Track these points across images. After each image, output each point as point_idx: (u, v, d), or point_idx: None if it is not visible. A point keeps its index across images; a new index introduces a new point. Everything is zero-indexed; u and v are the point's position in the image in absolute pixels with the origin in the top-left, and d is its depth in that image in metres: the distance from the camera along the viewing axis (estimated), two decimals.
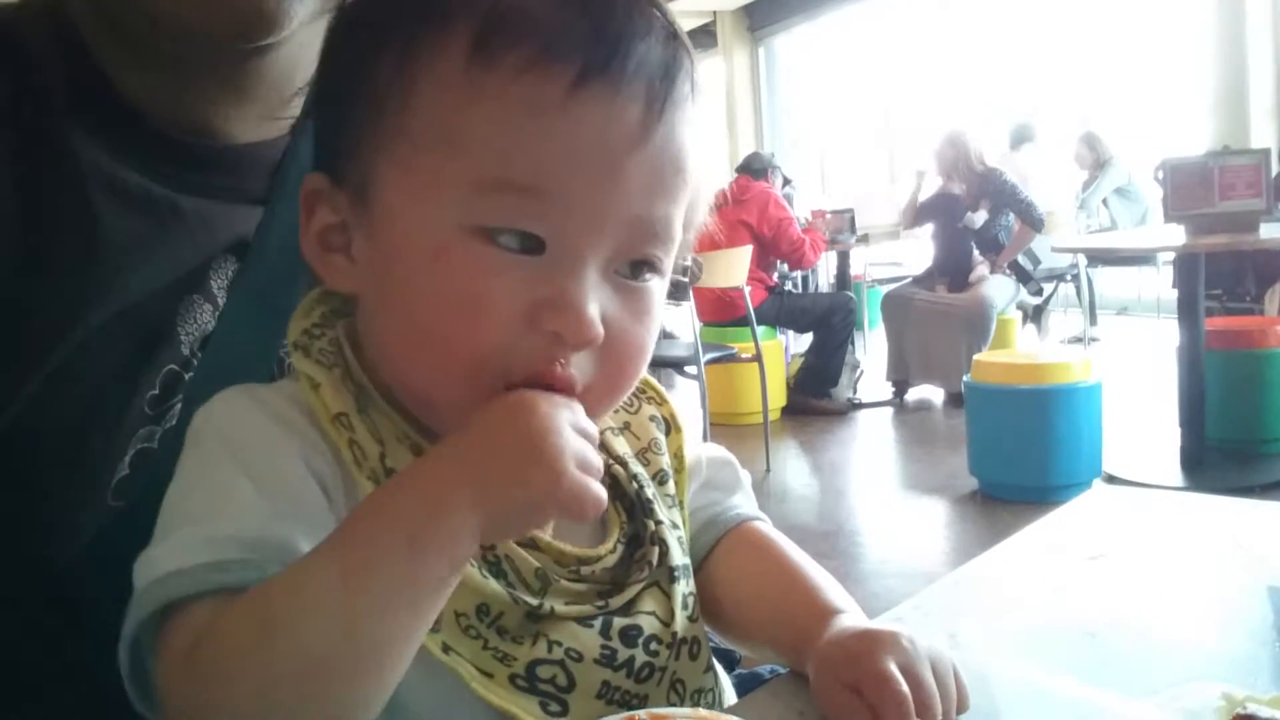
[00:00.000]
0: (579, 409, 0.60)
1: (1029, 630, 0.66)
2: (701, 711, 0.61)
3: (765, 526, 0.81)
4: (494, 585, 0.65)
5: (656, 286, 0.67)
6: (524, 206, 0.61)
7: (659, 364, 4.70)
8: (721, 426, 5.12)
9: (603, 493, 0.57)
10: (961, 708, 0.65)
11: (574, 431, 0.58)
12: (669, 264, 0.68)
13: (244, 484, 0.61)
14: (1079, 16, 8.94)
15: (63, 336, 0.75)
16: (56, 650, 0.74)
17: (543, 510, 0.58)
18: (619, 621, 0.68)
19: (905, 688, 0.61)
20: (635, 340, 0.66)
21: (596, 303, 0.62)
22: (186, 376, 0.79)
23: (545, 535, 0.68)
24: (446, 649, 0.63)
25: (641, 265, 0.65)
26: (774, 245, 5.90)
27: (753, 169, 6.38)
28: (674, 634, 0.70)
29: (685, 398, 4.96)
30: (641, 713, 0.59)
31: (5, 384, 0.74)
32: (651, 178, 0.63)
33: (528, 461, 0.56)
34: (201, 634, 0.55)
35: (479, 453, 0.57)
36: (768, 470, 4.87)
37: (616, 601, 0.69)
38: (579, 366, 0.63)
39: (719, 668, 0.81)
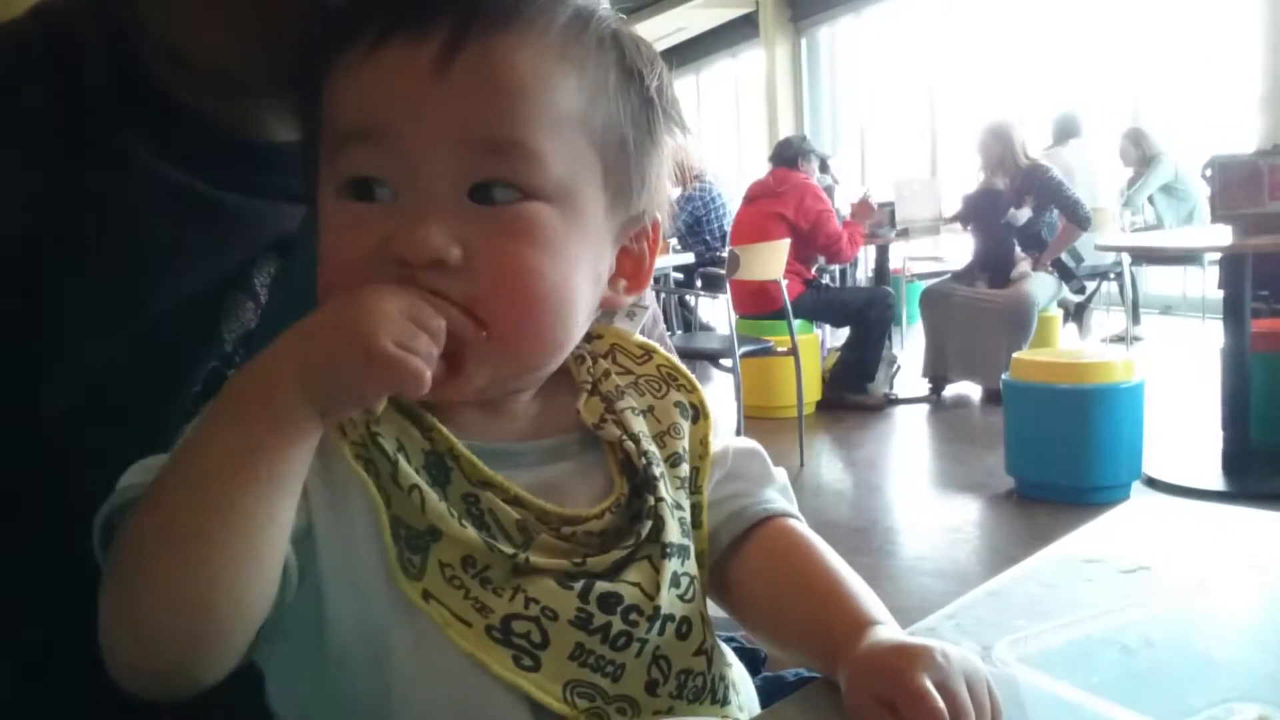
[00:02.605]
0: (421, 306, 0.63)
1: (1064, 645, 0.65)
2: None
3: (800, 525, 0.81)
4: (473, 534, 0.67)
5: (536, 209, 0.68)
6: (361, 150, 0.68)
7: (694, 356, 4.70)
8: (756, 420, 5.11)
9: (422, 368, 0.60)
10: None
11: (401, 316, 0.61)
12: (562, 194, 0.69)
13: None
14: (1126, 9, 8.80)
15: (107, 334, 0.76)
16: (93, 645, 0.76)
17: (357, 383, 0.62)
18: (600, 586, 0.69)
19: (941, 704, 0.61)
20: (507, 256, 0.67)
21: (443, 226, 0.66)
22: (229, 374, 0.79)
23: (529, 494, 0.70)
24: (427, 596, 0.65)
25: (497, 186, 0.68)
26: (811, 239, 5.87)
27: (784, 158, 6.31)
28: (656, 608, 0.70)
29: (720, 391, 4.96)
30: None
31: (51, 381, 0.75)
32: (469, 104, 0.67)
33: (340, 338, 0.61)
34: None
35: (304, 334, 0.62)
36: (801, 465, 4.86)
37: (596, 563, 0.70)
38: (447, 288, 0.66)
39: (739, 666, 0.81)
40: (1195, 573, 0.73)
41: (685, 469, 0.78)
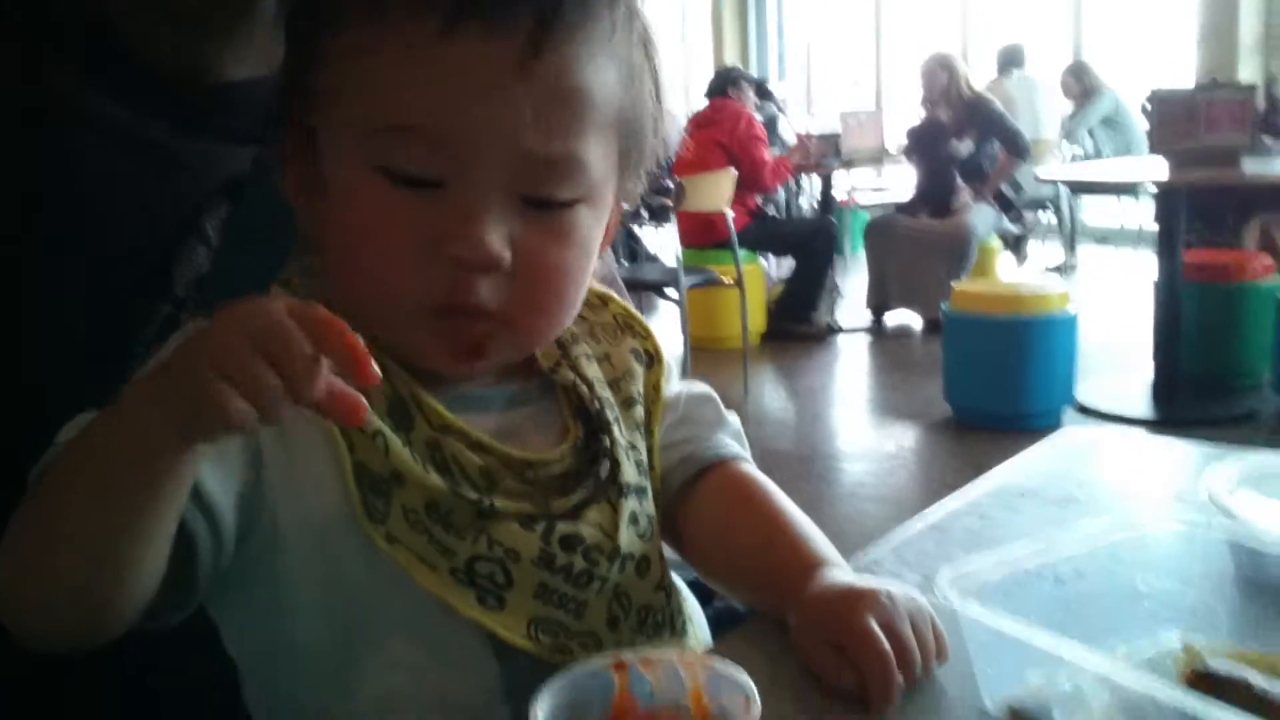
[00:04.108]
0: (279, 337, 0.54)
1: (1000, 578, 0.68)
2: (688, 653, 0.64)
3: (751, 469, 0.83)
4: (436, 480, 0.68)
5: (578, 212, 0.70)
6: (417, 146, 0.65)
7: (640, 287, 4.71)
8: (701, 350, 5.14)
9: (243, 410, 0.54)
10: (940, 659, 0.68)
11: (266, 365, 0.53)
12: (590, 193, 0.70)
13: None
14: None
15: (61, 279, 0.75)
16: None
17: (195, 415, 0.55)
18: (561, 528, 0.71)
19: (887, 644, 0.64)
20: (551, 261, 0.69)
21: (499, 229, 0.66)
22: (181, 318, 0.79)
23: (492, 439, 0.71)
24: (390, 539, 0.67)
25: (547, 199, 0.68)
26: (737, 165, 5.86)
27: (717, 87, 6.28)
28: (616, 546, 0.73)
29: (666, 321, 4.98)
30: (628, 653, 0.62)
31: (6, 326, 0.74)
32: (538, 112, 0.65)
33: (175, 385, 0.56)
34: None
35: (171, 358, 0.58)
36: (746, 394, 4.91)
37: (559, 505, 0.72)
38: (492, 290, 0.67)
39: (692, 600, 0.84)
40: (1122, 504, 0.77)
41: (640, 412, 0.80)
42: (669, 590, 0.78)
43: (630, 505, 0.75)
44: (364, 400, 0.55)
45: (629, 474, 0.76)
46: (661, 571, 0.77)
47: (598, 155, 0.69)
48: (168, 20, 0.80)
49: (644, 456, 0.79)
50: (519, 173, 0.66)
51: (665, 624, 0.76)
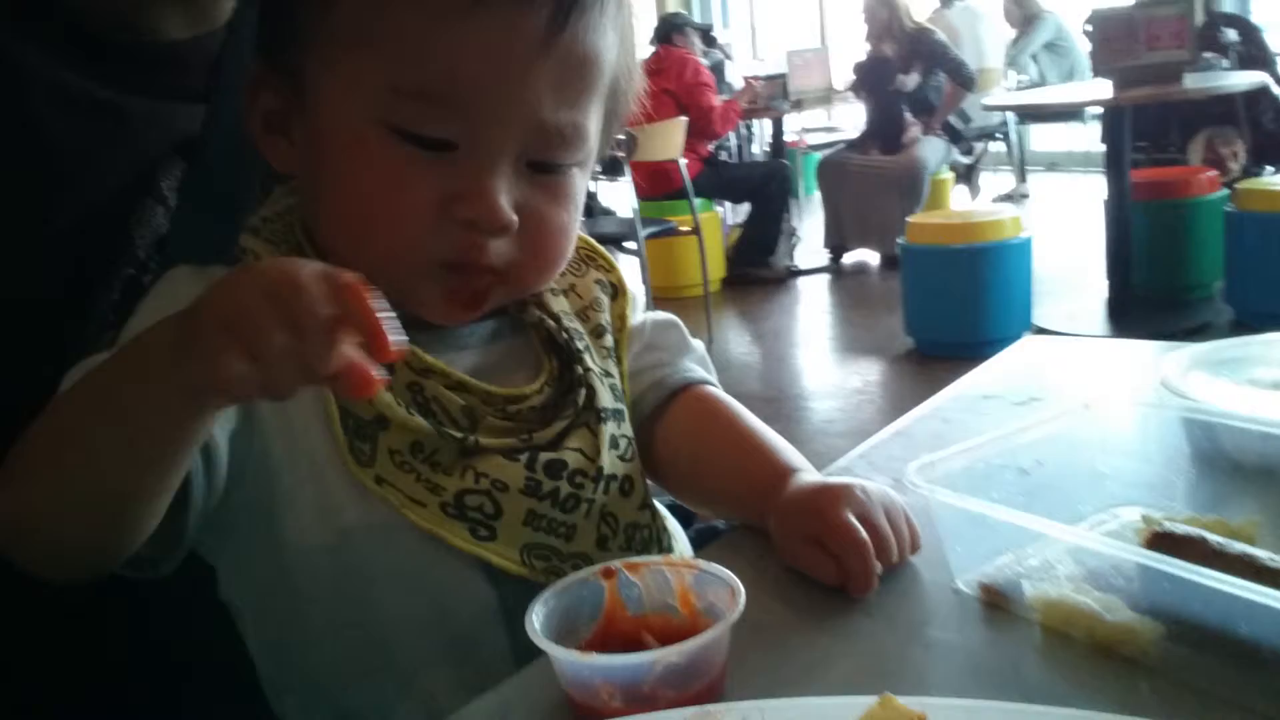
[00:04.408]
0: (275, 270, 0.52)
1: (965, 469, 0.71)
2: (673, 558, 0.66)
3: (717, 390, 0.85)
4: (420, 421, 0.70)
5: (575, 174, 0.72)
6: (434, 110, 0.65)
7: (598, 241, 4.67)
8: (663, 300, 5.15)
9: (274, 380, 0.52)
10: (914, 548, 0.71)
11: (279, 323, 0.51)
12: (587, 157, 0.72)
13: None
14: None
15: (17, 244, 0.75)
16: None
17: (216, 394, 0.54)
18: (544, 456, 0.73)
19: (864, 535, 0.67)
20: (554, 221, 0.71)
21: (508, 192, 0.67)
22: (144, 280, 0.79)
23: (470, 377, 0.73)
24: (380, 480, 0.68)
25: (553, 164, 0.70)
26: (686, 112, 5.84)
27: (662, 34, 6.23)
28: (599, 469, 0.75)
29: (626, 274, 4.96)
30: (616, 562, 0.64)
31: None
32: (557, 84, 0.67)
33: (184, 338, 0.54)
34: None
35: (178, 322, 0.55)
36: (710, 340, 4.93)
37: (541, 436, 0.73)
38: (499, 250, 0.69)
39: (672, 520, 0.86)
40: (1080, 399, 0.79)
41: (610, 339, 0.81)
42: (653, 509, 0.80)
43: (609, 429, 0.77)
44: (379, 374, 0.51)
45: (605, 399, 0.77)
46: (644, 490, 0.79)
47: (595, 120, 0.71)
48: None
49: (618, 381, 0.80)
50: (530, 140, 0.68)
51: (652, 540, 0.79)
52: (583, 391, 0.76)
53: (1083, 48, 6.89)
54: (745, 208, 6.32)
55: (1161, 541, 0.59)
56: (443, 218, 0.67)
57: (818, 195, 6.56)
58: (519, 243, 0.69)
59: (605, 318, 0.82)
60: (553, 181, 0.71)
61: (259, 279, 0.52)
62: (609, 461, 0.76)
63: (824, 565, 0.67)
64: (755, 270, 6.04)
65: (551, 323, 0.78)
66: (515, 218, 0.68)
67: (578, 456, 0.74)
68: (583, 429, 0.76)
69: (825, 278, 6.16)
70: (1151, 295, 4.46)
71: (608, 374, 0.80)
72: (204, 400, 0.55)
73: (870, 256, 6.26)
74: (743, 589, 0.59)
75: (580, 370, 0.77)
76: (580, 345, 0.78)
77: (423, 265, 0.68)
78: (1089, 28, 4.57)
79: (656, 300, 4.87)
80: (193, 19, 0.84)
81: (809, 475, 0.75)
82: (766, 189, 5.99)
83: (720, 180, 6.05)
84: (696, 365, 0.86)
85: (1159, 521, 0.63)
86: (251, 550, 0.71)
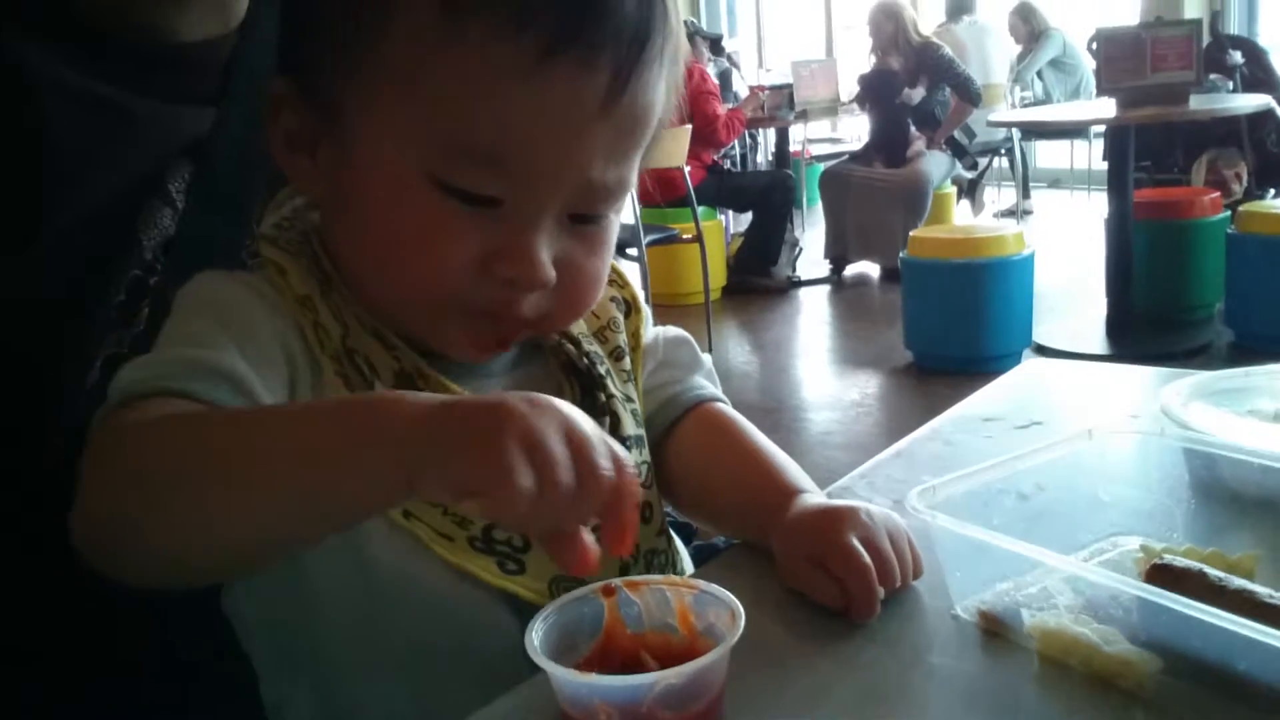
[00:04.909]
0: (573, 415, 0.53)
1: (966, 494, 0.71)
2: (674, 578, 0.66)
3: (726, 408, 0.85)
4: None
5: (612, 219, 0.71)
6: (483, 168, 0.64)
7: None
8: (663, 307, 5.15)
9: (528, 493, 0.50)
10: (917, 573, 0.70)
11: (567, 466, 0.51)
12: (624, 201, 0.71)
13: (219, 332, 0.65)
14: None
15: (24, 243, 0.75)
16: (36, 550, 0.76)
17: (474, 497, 0.52)
18: None
19: (868, 559, 0.66)
20: (590, 272, 0.71)
21: (548, 248, 0.66)
22: (151, 281, 0.79)
23: None
24: (407, 515, 0.68)
25: (594, 216, 0.69)
26: (690, 120, 5.84)
27: None
28: None
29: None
30: (616, 580, 0.64)
31: None
32: (610, 144, 0.66)
33: (455, 434, 0.52)
34: (150, 413, 0.60)
35: (445, 420, 0.53)
36: (710, 349, 4.92)
37: None
38: (533, 302, 0.68)
39: (676, 537, 0.86)
40: (1082, 424, 0.79)
41: (628, 362, 0.81)
42: (668, 534, 0.80)
43: (632, 457, 0.76)
44: (597, 559, 0.53)
45: (628, 426, 0.77)
46: (662, 516, 0.79)
47: (638, 167, 0.70)
48: None
49: (638, 406, 0.80)
50: (576, 196, 0.67)
51: (668, 565, 0.79)
52: (606, 420, 0.76)
53: (1089, 66, 6.90)
54: (748, 216, 6.32)
55: (1160, 574, 0.60)
56: (481, 273, 0.66)
57: (819, 206, 6.57)
58: (553, 293, 0.69)
59: (623, 338, 0.82)
60: (591, 231, 0.70)
61: (559, 417, 0.52)
62: None
63: (826, 588, 0.67)
64: (756, 279, 6.05)
65: (571, 347, 0.78)
66: (554, 274, 0.67)
67: None
68: None
69: (826, 289, 6.16)
70: (1152, 315, 4.47)
71: (629, 399, 0.79)
72: (455, 498, 0.52)
73: (871, 269, 6.26)
74: (743, 611, 0.59)
75: (603, 397, 0.77)
76: (601, 370, 0.78)
77: (454, 313, 0.68)
78: (1094, 46, 4.57)
79: (657, 307, 4.83)
80: (206, 21, 0.85)
81: (814, 496, 0.75)
82: (770, 199, 6.00)
83: (724, 189, 6.06)
84: (706, 381, 0.86)
85: (1158, 553, 0.64)
86: (272, 574, 0.70)
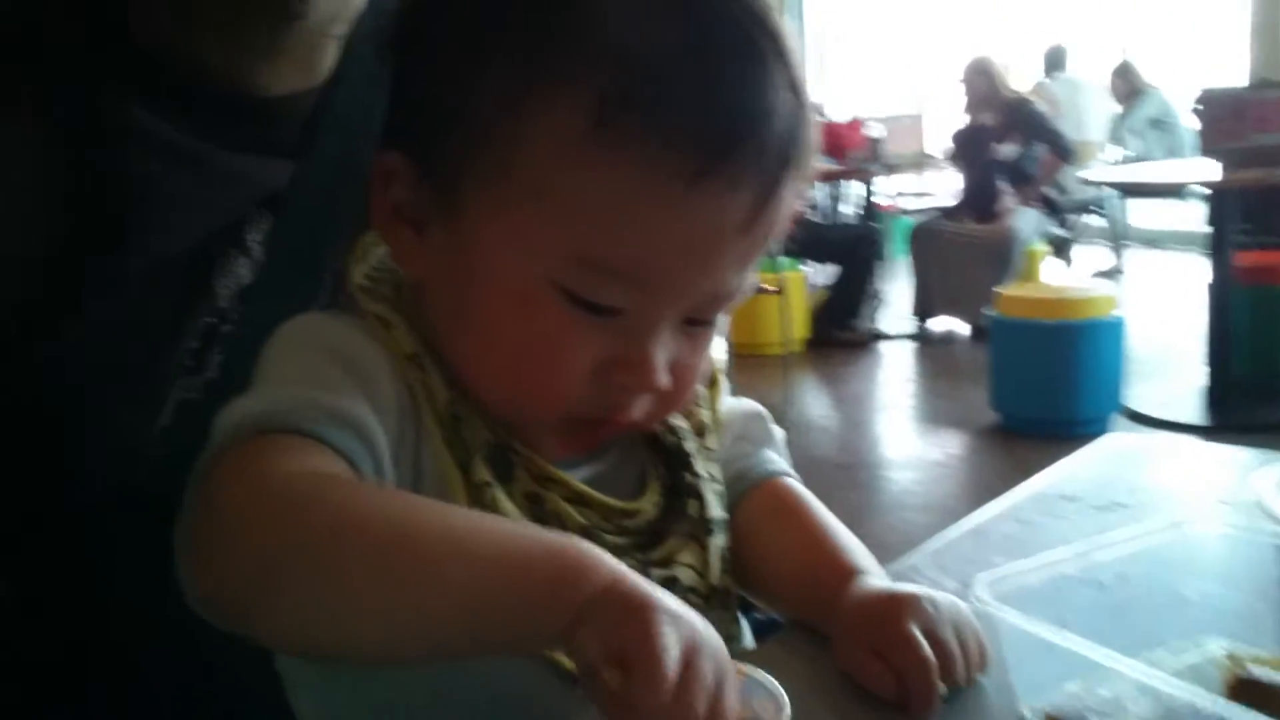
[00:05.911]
0: (722, 657, 0.53)
1: (1040, 583, 0.67)
2: (743, 665, 0.63)
3: (794, 483, 0.82)
4: None
5: (720, 320, 0.70)
6: (615, 283, 0.62)
7: None
8: (743, 358, 5.12)
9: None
10: (983, 667, 0.66)
11: (711, 668, 0.51)
12: None
13: (342, 375, 0.63)
14: None
15: (98, 291, 0.76)
16: (88, 595, 0.77)
17: (602, 644, 0.51)
18: (657, 574, 0.69)
19: (929, 651, 0.63)
20: (695, 370, 0.69)
21: (665, 355, 0.65)
22: (224, 329, 0.80)
23: (589, 489, 0.70)
24: None
25: (709, 320, 0.68)
26: None
27: None
28: (712, 587, 0.72)
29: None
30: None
31: (44, 339, 0.75)
32: (745, 256, 0.65)
33: (613, 614, 0.52)
34: (293, 461, 0.57)
35: (613, 600, 0.52)
36: (789, 402, 4.89)
37: (656, 555, 0.71)
38: (642, 405, 0.67)
39: (742, 619, 0.83)
40: (1168, 509, 0.75)
41: (712, 439, 0.79)
42: (739, 619, 0.78)
43: (718, 541, 0.74)
44: None
45: (714, 509, 0.75)
46: (735, 601, 0.77)
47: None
48: (208, 33, 0.81)
49: (722, 486, 0.78)
50: (698, 304, 0.66)
51: (738, 651, 0.76)
52: (693, 502, 0.74)
53: (1188, 126, 6.75)
54: (832, 268, 6.28)
55: (1245, 690, 0.55)
56: (595, 379, 0.64)
57: (904, 260, 6.49)
58: (659, 402, 0.68)
59: (706, 414, 0.80)
60: (701, 332, 0.68)
61: (715, 642, 0.52)
62: (717, 576, 0.73)
63: (884, 679, 0.64)
64: (839, 332, 5.99)
65: (658, 424, 0.76)
66: (668, 378, 0.66)
67: (689, 573, 0.72)
68: (692, 542, 0.73)
69: (910, 344, 6.08)
70: (1251, 384, 4.30)
71: (714, 479, 0.77)
72: (603, 660, 0.51)
73: (958, 325, 6.16)
74: (788, 704, 0.56)
75: (689, 478, 0.75)
76: (689, 448, 0.76)
77: (560, 418, 0.66)
78: (1199, 107, 4.47)
79: (737, 357, 4.85)
80: (293, 76, 0.86)
81: (876, 580, 0.72)
82: (855, 251, 5.96)
83: (809, 240, 6.03)
84: (776, 456, 0.84)
85: (1244, 664, 0.59)
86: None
